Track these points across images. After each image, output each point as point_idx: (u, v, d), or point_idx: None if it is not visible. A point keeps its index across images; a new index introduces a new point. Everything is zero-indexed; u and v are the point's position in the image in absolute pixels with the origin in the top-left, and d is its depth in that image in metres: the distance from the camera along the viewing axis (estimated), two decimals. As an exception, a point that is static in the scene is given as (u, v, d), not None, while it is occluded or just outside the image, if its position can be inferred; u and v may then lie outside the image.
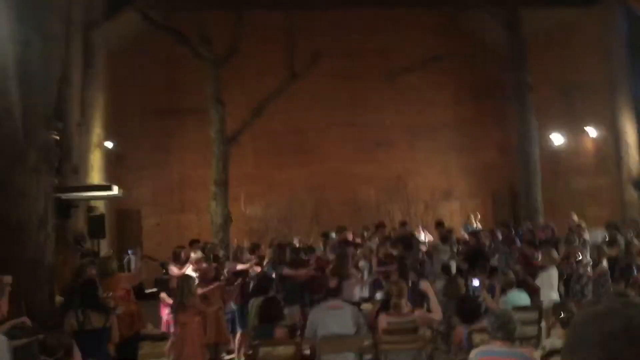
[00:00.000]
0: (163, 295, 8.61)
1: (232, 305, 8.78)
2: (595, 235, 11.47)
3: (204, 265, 8.66)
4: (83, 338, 5.55)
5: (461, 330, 5.97)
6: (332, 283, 6.61)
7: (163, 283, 9.69)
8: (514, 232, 12.92)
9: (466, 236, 11.99)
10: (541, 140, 15.81)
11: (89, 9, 10.61)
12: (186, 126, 17.98)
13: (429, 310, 6.69)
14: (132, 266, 10.39)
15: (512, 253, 10.43)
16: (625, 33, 15.42)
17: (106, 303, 6.06)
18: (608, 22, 15.46)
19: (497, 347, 4.15)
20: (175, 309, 6.69)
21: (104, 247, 12.13)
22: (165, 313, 8.57)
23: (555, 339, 4.96)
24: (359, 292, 8.82)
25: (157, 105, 17.90)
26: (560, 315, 5.06)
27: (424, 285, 7.06)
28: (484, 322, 5.80)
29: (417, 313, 6.27)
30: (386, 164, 18.90)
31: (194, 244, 10.65)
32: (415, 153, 19.33)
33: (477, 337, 5.73)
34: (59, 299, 7.62)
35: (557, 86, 17.34)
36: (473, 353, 4.26)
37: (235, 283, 8.70)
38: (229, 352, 9.05)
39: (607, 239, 10.30)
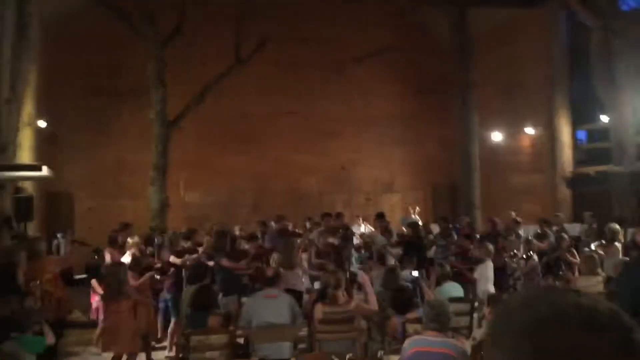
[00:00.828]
0: (94, 282, 8.30)
1: (166, 294, 8.64)
2: (528, 230, 11.87)
3: (137, 251, 8.41)
4: None
5: (396, 321, 6.00)
6: (270, 272, 6.49)
7: (94, 269, 9.36)
8: (451, 225, 13.28)
9: (404, 229, 12.13)
10: (481, 136, 16.29)
11: (22, -24, 10.07)
12: (125, 108, 17.48)
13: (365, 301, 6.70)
14: (61, 250, 9.98)
15: (448, 246, 10.61)
16: (566, 36, 16.00)
17: (22, 288, 5.74)
18: (550, 24, 16.02)
19: (430, 336, 4.20)
20: (107, 297, 6.37)
21: (32, 231, 11.63)
22: (96, 300, 8.28)
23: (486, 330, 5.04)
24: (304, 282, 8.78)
25: (95, 84, 17.32)
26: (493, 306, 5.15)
27: (362, 276, 7.00)
28: (417, 313, 5.93)
29: (353, 304, 6.19)
30: (330, 154, 19.12)
31: (126, 227, 10.32)
32: (359, 144, 19.57)
33: (410, 328, 5.81)
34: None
35: (499, 84, 17.84)
36: (406, 342, 4.31)
37: (168, 273, 8.53)
38: (158, 341, 8.90)
39: (538, 233, 10.64)
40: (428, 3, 15.52)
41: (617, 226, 9.81)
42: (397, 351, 5.46)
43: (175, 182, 15.76)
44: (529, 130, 17.14)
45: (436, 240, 11.16)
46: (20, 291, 5.54)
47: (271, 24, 16.75)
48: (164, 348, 8.51)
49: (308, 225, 12.71)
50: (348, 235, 11.09)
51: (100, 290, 7.97)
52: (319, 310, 6.09)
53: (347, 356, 4.63)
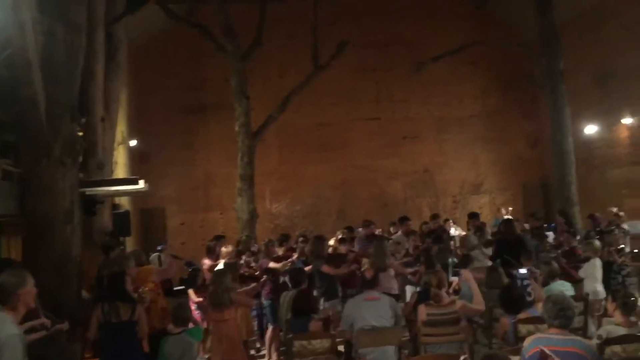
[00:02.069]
0: (190, 292, 8.43)
1: (263, 301, 8.66)
2: (635, 225, 10.98)
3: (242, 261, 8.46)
4: (110, 331, 5.37)
5: (506, 322, 5.68)
6: (368, 274, 6.35)
7: (190, 280, 9.51)
8: (546, 225, 12.71)
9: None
10: (574, 130, 15.28)
11: (110, 1, 10.52)
12: (210, 122, 17.95)
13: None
14: (162, 261, 10.25)
15: (543, 245, 10.00)
16: (663, 15, 14.91)
17: (133, 295, 5.88)
18: (645, 4, 14.95)
19: (554, 334, 3.88)
20: (212, 304, 6.30)
21: (129, 247, 12.05)
22: (192, 309, 8.39)
23: (612, 326, 4.67)
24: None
25: (181, 101, 17.88)
26: (620, 300, 4.70)
27: (466, 274, 6.68)
28: (530, 312, 5.55)
29: (459, 304, 5.95)
30: (413, 157, 18.73)
31: (220, 239, 10.49)
32: (442, 146, 19.05)
33: (523, 328, 5.53)
34: (86, 295, 7.52)
35: (591, 73, 16.86)
36: (527, 342, 4.00)
37: (263, 279, 8.57)
38: (257, 350, 9.02)
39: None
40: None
41: None
42: (510, 354, 5.12)
43: (261, 193, 15.93)
44: (627, 120, 15.92)
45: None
46: (130, 297, 5.65)
47: (348, 28, 16.71)
48: (262, 357, 8.41)
49: (392, 230, 12.40)
50: (443, 237, 10.82)
51: (196, 299, 8.00)
52: (423, 312, 5.92)
53: (462, 358, 4.35)
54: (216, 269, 7.71)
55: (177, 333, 5.61)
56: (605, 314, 6.16)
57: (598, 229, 10.77)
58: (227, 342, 5.88)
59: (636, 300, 4.87)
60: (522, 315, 5.62)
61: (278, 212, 17.75)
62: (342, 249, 9.46)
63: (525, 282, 6.31)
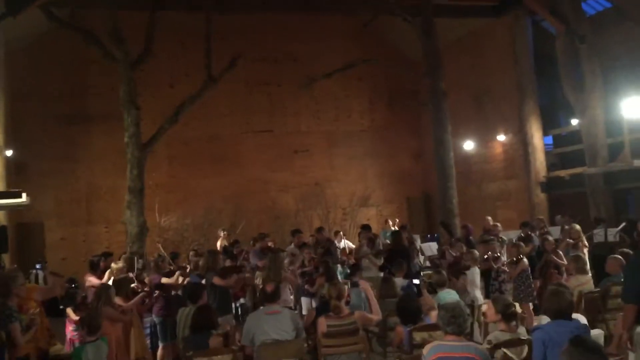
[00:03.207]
0: (69, 310, 7.86)
1: (154, 318, 8.32)
2: (509, 236, 11.99)
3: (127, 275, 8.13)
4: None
5: (401, 330, 5.84)
6: (269, 287, 6.19)
7: (69, 298, 8.91)
8: (429, 236, 13.58)
9: (387, 241, 12.13)
10: (454, 146, 16.35)
11: (-12, 2, 9.79)
12: (94, 132, 17.11)
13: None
14: (41, 281, 9.59)
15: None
16: (531, 42, 16.35)
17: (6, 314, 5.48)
18: (516, 31, 16.33)
19: (450, 341, 4.08)
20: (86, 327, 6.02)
21: (7, 263, 11.20)
22: (69, 330, 7.85)
23: (499, 332, 5.06)
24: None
25: (61, 109, 16.94)
26: (501, 310, 5.09)
27: (364, 284, 6.80)
28: (425, 321, 5.84)
29: (357, 314, 6.04)
30: (304, 171, 19.13)
31: (107, 257, 10.02)
32: (332, 160, 19.64)
33: (417, 336, 5.69)
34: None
35: (469, 92, 18.11)
36: (426, 349, 4.20)
37: (154, 295, 8.26)
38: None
39: (522, 237, 10.71)
40: (394, 14, 15.66)
41: (578, 227, 10.68)
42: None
43: (150, 206, 15.39)
44: (501, 137, 17.42)
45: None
46: (17, 317, 5.26)
47: (240, 41, 16.71)
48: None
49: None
50: (331, 249, 11.05)
51: (74, 318, 7.59)
52: (323, 324, 5.92)
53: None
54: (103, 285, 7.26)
55: (93, 340, 5.73)
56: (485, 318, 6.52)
57: (469, 237, 11.56)
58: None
59: (514, 307, 5.30)
60: (416, 324, 5.84)
61: (167, 225, 17.22)
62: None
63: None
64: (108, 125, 16.12)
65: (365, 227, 11.84)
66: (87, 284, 8.80)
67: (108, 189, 16.69)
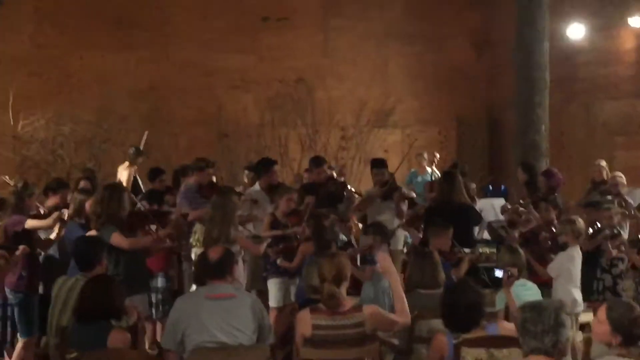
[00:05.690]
0: None
1: (9, 294, 6.75)
2: (636, 196, 8.71)
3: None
4: None
5: (444, 341, 4.29)
6: (214, 253, 4.55)
7: None
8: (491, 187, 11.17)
9: (412, 193, 9.49)
10: (551, 31, 11.53)
11: None
12: None
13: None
14: None
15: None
16: None
17: None
18: None
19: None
20: None
21: None
22: None
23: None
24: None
25: None
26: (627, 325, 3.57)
27: (383, 261, 4.85)
28: (487, 330, 4.45)
29: (369, 310, 4.60)
30: (279, 55, 13.92)
31: None
32: (329, 39, 14.33)
33: (468, 355, 4.27)
34: None
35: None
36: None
37: (17, 252, 6.44)
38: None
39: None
40: None
41: None
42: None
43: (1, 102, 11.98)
44: (635, 22, 11.86)
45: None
46: None
47: None
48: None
49: (246, 180, 10.09)
50: (337, 194, 8.50)
51: None
52: (306, 322, 4.45)
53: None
54: None
55: None
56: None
57: (556, 192, 8.19)
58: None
59: None
60: (469, 335, 4.35)
61: (29, 134, 12.53)
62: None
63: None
64: None
65: (377, 164, 8.90)
66: None
67: None
